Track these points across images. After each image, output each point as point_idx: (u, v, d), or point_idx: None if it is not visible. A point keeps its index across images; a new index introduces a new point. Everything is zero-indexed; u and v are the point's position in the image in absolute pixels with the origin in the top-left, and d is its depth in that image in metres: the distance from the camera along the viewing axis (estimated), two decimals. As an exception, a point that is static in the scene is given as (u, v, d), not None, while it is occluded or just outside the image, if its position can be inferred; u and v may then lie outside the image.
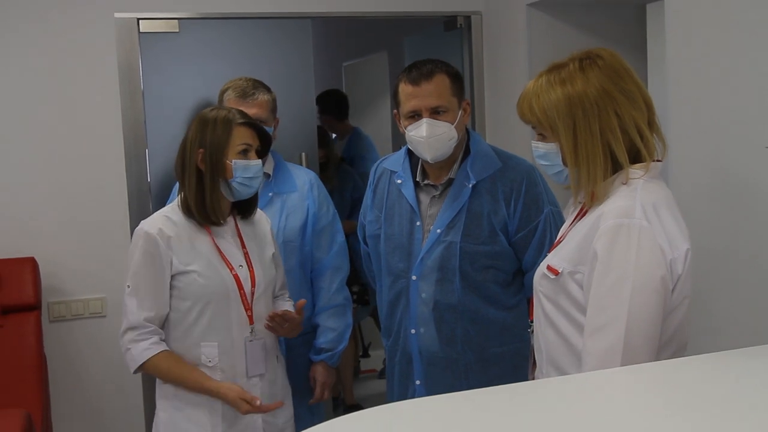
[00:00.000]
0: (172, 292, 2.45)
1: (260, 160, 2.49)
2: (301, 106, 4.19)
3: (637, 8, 4.12)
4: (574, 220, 1.95)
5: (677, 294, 1.78)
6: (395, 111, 2.58)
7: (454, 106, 2.50)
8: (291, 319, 2.55)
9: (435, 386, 2.56)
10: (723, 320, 2.62)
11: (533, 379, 2.05)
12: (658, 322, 1.75)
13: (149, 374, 2.50)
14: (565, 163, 1.89)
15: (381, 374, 5.62)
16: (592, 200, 1.86)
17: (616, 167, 1.85)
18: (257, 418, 2.49)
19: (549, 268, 1.88)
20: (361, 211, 2.84)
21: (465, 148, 2.59)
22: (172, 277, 2.44)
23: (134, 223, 2.59)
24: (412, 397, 2.60)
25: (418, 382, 2.61)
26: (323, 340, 2.93)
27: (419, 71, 2.48)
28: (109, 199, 3.91)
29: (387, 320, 2.70)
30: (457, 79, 2.53)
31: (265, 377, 2.53)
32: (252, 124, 2.50)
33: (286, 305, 2.69)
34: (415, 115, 2.48)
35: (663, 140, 1.89)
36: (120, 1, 3.88)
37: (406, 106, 2.49)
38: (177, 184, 2.59)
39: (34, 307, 3.63)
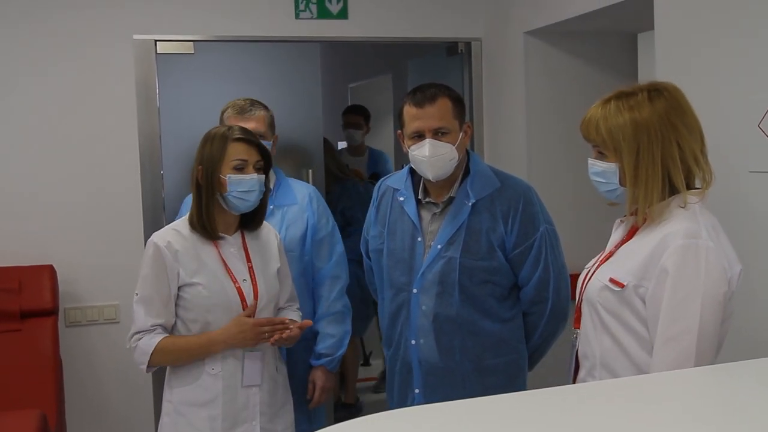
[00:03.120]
0: (178, 302, 2.45)
1: (257, 175, 2.45)
2: (308, 125, 4.19)
3: (628, 37, 4.14)
4: (625, 238, 2.00)
5: (729, 308, 1.88)
6: (399, 131, 2.58)
7: (456, 128, 2.50)
8: (293, 338, 2.52)
9: (433, 395, 2.55)
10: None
11: (575, 381, 2.09)
12: (719, 332, 1.85)
13: (160, 363, 2.46)
14: (621, 183, 1.94)
15: (377, 387, 5.60)
16: (644, 220, 1.93)
17: (671, 191, 1.91)
18: (255, 425, 2.48)
19: (612, 280, 1.92)
20: (365, 226, 2.83)
21: (465, 168, 2.58)
22: (179, 288, 2.43)
23: (148, 235, 2.59)
24: (411, 404, 2.58)
25: (417, 391, 2.60)
26: (323, 345, 2.92)
27: (423, 94, 2.48)
28: (125, 212, 3.92)
29: (388, 331, 2.69)
30: (458, 103, 2.53)
31: (263, 388, 2.51)
32: (249, 140, 2.47)
33: (292, 315, 2.67)
34: (418, 136, 2.48)
35: (711, 170, 1.95)
36: (139, 23, 3.91)
37: (410, 126, 2.49)
38: (185, 200, 2.59)
39: (52, 312, 3.63)
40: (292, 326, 2.50)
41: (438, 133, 2.46)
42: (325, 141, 4.96)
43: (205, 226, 2.45)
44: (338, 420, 5.24)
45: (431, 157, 2.45)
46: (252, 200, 2.46)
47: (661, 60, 2.93)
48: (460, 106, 2.54)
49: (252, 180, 2.44)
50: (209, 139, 2.47)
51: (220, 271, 2.45)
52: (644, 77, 3.89)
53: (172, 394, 2.49)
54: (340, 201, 4.87)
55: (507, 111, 4.17)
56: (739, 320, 2.46)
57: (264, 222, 2.66)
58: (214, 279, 2.44)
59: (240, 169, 2.43)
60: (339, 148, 6.26)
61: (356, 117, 5.55)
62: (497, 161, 4.19)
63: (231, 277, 2.46)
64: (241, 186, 2.43)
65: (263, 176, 2.48)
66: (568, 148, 3.81)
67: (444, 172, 2.49)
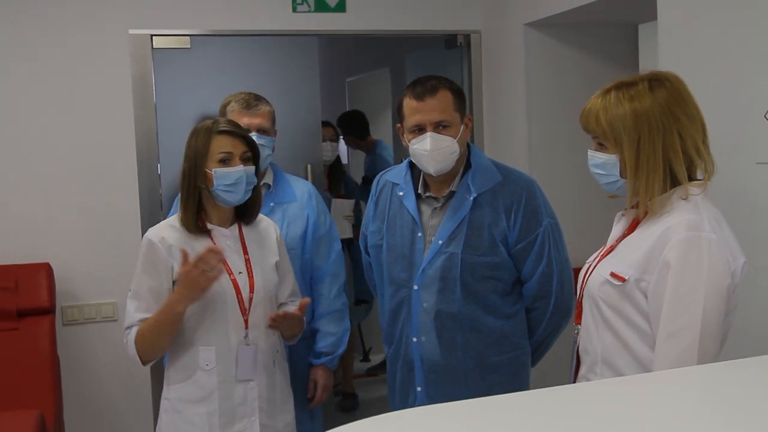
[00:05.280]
0: None
1: (243, 166, 2.41)
2: (306, 120, 4.16)
3: (629, 28, 4.10)
4: (626, 232, 1.96)
5: (732, 301, 1.84)
6: (399, 125, 2.54)
7: (457, 121, 2.46)
8: (291, 317, 2.50)
9: (435, 393, 2.52)
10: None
11: (576, 379, 2.06)
12: (722, 326, 1.81)
13: (147, 350, 2.41)
14: (622, 175, 1.90)
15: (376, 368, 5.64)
16: (645, 213, 1.89)
17: (672, 183, 1.88)
18: (255, 421, 2.45)
19: (613, 275, 1.89)
20: (363, 221, 2.79)
21: (466, 162, 2.54)
22: (174, 282, 2.40)
23: (145, 231, 2.56)
24: (413, 402, 2.56)
25: (419, 389, 2.56)
26: (323, 344, 2.90)
27: (424, 87, 2.43)
28: (122, 208, 3.88)
29: (389, 328, 2.65)
30: (459, 96, 2.49)
31: (261, 382, 2.47)
32: (234, 132, 2.43)
33: (293, 309, 2.64)
34: (419, 129, 2.43)
35: (713, 161, 1.91)
36: (134, 18, 3.86)
37: (411, 120, 2.45)
38: (178, 195, 2.57)
39: (49, 310, 3.59)
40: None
41: (439, 126, 2.42)
42: None
43: (191, 222, 2.42)
44: (343, 408, 5.20)
45: (432, 150, 2.41)
46: (240, 192, 2.42)
47: (665, 50, 2.89)
48: (461, 99, 2.50)
49: (238, 172, 2.40)
50: (194, 133, 2.44)
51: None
52: (645, 68, 3.85)
53: (169, 391, 2.47)
54: None
55: (507, 104, 4.13)
56: (744, 315, 2.43)
57: (263, 216, 2.63)
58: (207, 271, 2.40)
59: (225, 162, 2.40)
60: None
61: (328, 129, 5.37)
62: (498, 155, 4.15)
63: (227, 270, 2.43)
64: (227, 179, 2.39)
65: (251, 167, 2.44)
66: (569, 140, 3.77)
67: (445, 165, 2.44)
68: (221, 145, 2.40)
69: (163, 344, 2.42)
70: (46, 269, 3.65)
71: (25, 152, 3.76)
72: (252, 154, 2.46)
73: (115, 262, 3.84)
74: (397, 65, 5.77)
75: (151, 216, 3.86)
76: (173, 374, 2.46)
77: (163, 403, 2.49)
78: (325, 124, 4.93)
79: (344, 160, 7.04)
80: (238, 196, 2.43)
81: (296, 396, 2.71)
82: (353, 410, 5.11)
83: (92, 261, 3.85)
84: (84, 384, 3.86)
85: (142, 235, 3.61)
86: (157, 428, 2.53)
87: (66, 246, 3.81)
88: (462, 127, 2.47)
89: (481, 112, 4.33)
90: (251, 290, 2.45)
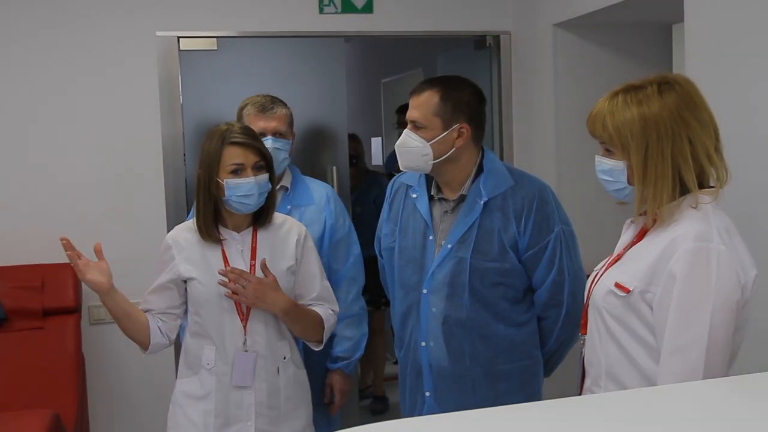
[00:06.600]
0: (186, 296, 2.50)
1: (254, 177, 2.38)
2: (333, 122, 4.14)
3: (662, 29, 4.00)
4: (635, 240, 1.89)
5: (742, 316, 1.77)
6: None
7: (435, 125, 2.41)
8: (260, 280, 2.39)
9: (443, 399, 2.48)
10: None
11: (581, 391, 2.00)
12: (731, 342, 1.74)
13: (126, 332, 2.55)
14: (629, 182, 1.84)
15: None
16: (653, 222, 1.82)
17: (682, 191, 1.80)
18: (251, 426, 2.45)
19: (618, 285, 1.82)
20: (378, 224, 2.76)
21: (478, 166, 2.49)
22: (185, 282, 2.47)
23: (171, 232, 2.61)
24: (422, 407, 2.54)
25: (427, 394, 2.53)
26: (340, 349, 2.87)
27: (419, 85, 2.46)
28: (148, 209, 3.91)
29: (399, 332, 2.62)
30: (450, 102, 2.41)
31: (261, 388, 2.45)
32: (245, 143, 2.40)
33: (317, 309, 2.58)
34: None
35: (726, 168, 1.83)
36: (161, 20, 3.89)
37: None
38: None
39: (74, 310, 3.63)
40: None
41: (415, 126, 2.43)
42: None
43: (205, 229, 2.44)
44: (373, 411, 5.11)
45: (399, 146, 2.45)
46: (252, 203, 2.42)
47: (692, 52, 2.81)
48: (450, 105, 2.41)
49: (249, 183, 2.38)
50: (208, 138, 2.44)
51: (221, 268, 2.43)
52: (679, 70, 3.75)
53: (176, 385, 2.53)
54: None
55: (536, 105, 4.06)
56: (756, 330, 2.34)
57: (287, 218, 2.62)
58: (210, 275, 2.43)
59: (237, 173, 2.39)
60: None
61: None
62: (526, 156, 4.09)
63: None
64: (238, 190, 2.38)
65: (264, 176, 2.42)
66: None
67: (414, 165, 2.46)
68: (233, 156, 2.39)
69: (128, 333, 2.53)
70: (72, 269, 3.66)
71: (52, 153, 3.81)
72: (265, 162, 2.45)
73: (141, 262, 3.84)
74: (429, 66, 5.73)
75: (176, 216, 3.88)
76: (183, 369, 2.52)
77: (172, 396, 2.55)
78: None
79: (376, 161, 7.04)
80: (251, 206, 2.43)
81: (313, 400, 2.67)
82: (383, 413, 5.08)
83: (118, 261, 3.81)
84: (109, 383, 3.89)
85: (168, 236, 3.66)
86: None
87: (92, 246, 3.83)
88: (446, 132, 2.41)
89: (510, 113, 4.27)
90: None
